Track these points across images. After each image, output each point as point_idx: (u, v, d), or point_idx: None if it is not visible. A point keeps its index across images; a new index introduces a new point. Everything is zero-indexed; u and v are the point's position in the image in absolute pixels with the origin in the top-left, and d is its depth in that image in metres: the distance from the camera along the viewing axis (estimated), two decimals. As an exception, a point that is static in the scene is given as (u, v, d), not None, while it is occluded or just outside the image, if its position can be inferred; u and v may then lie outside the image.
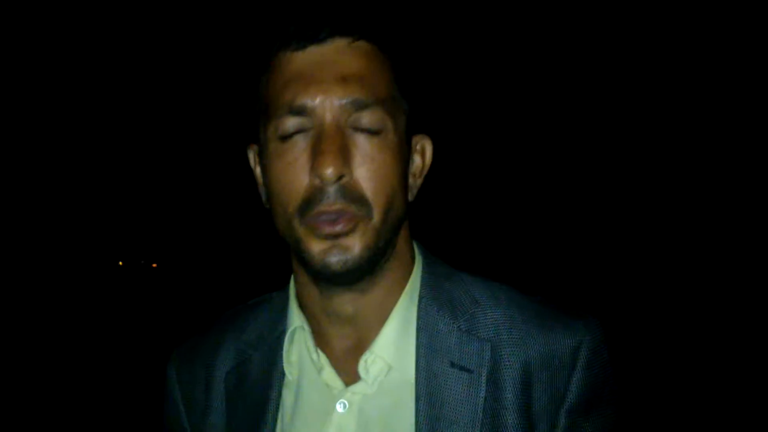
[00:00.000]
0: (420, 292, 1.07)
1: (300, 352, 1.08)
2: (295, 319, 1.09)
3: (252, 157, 1.10)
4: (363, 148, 0.95)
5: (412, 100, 1.03)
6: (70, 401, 6.14)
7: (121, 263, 11.22)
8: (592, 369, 1.02)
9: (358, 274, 0.98)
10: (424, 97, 1.07)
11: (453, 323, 1.04)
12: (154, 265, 11.32)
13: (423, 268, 1.10)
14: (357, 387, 1.02)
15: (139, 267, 11.39)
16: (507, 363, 1.01)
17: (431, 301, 1.05)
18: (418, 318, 1.04)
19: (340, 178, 0.92)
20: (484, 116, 7.63)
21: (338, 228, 0.93)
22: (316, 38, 0.96)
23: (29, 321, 7.95)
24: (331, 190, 0.93)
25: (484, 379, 0.99)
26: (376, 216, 0.95)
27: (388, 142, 0.96)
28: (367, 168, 0.94)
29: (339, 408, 1.02)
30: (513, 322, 1.04)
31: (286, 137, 0.96)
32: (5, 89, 6.77)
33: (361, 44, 0.97)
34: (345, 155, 0.93)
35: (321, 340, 1.07)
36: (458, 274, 1.11)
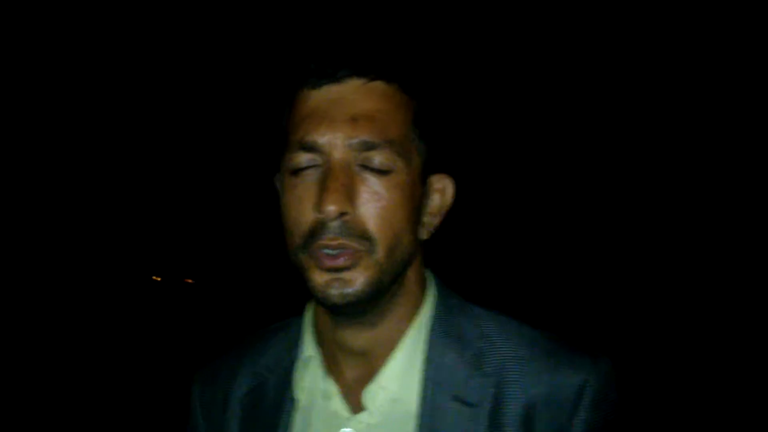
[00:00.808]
0: (430, 324, 1.08)
1: (312, 379, 1.11)
2: (308, 347, 1.13)
3: (278, 186, 1.13)
4: (370, 186, 0.98)
5: (431, 141, 1.05)
6: (97, 415, 6.21)
7: (158, 279, 11.41)
8: (598, 409, 1.02)
9: (360, 308, 1.01)
10: (446, 138, 1.09)
11: (460, 357, 1.05)
12: (189, 280, 11.46)
13: (435, 300, 1.12)
14: (362, 416, 1.05)
15: (174, 282, 11.58)
16: (510, 399, 1.02)
17: (440, 335, 1.07)
18: (426, 351, 1.06)
19: (342, 214, 0.96)
20: (509, 153, 7.61)
21: (339, 262, 0.97)
22: (333, 77, 1.00)
23: (61, 334, 8.08)
24: (333, 225, 0.96)
25: (486, 414, 1.01)
26: (380, 252, 0.98)
27: (397, 182, 0.99)
28: (373, 206, 0.97)
29: None
30: (519, 358, 1.04)
31: (297, 171, 1.01)
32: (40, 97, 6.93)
33: (377, 85, 1.00)
34: (349, 193, 0.97)
35: (333, 368, 1.10)
36: (471, 307, 1.13)
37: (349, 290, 0.98)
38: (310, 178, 1.00)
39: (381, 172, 0.98)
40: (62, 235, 8.33)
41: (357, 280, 0.98)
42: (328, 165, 0.98)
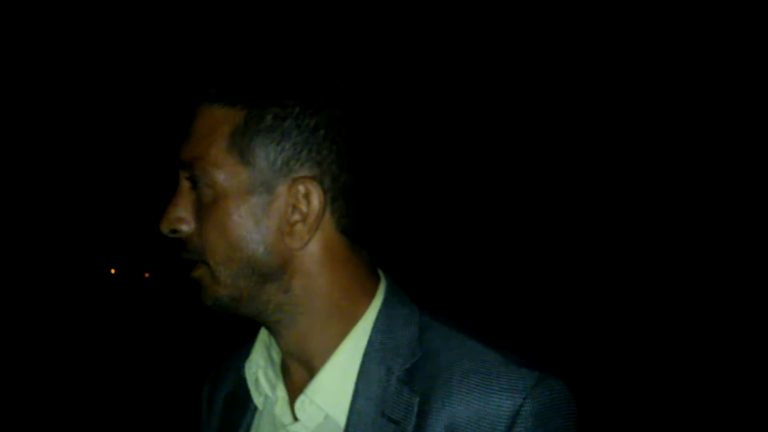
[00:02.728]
0: (370, 336, 1.04)
1: (265, 384, 1.12)
2: (255, 355, 1.15)
3: None
4: (197, 205, 1.02)
5: (275, 151, 1.01)
6: (56, 407, 6.05)
7: (113, 271, 11.11)
8: None
9: (236, 314, 1.06)
10: (315, 146, 1.03)
11: (392, 372, 1.01)
12: (147, 275, 11.22)
13: (380, 310, 1.06)
14: (297, 426, 1.05)
15: (131, 276, 11.31)
16: (432, 420, 0.95)
17: (378, 348, 1.03)
18: (361, 363, 1.03)
19: (173, 232, 1.03)
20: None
21: (191, 274, 1.04)
22: (199, 100, 1.05)
23: (18, 326, 7.88)
24: (179, 243, 1.04)
25: None
26: (212, 266, 1.01)
27: (216, 197, 1.00)
28: (202, 222, 1.01)
29: None
30: (450, 375, 0.97)
31: None
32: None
33: (202, 107, 1.04)
34: (178, 213, 1.03)
35: (286, 372, 1.11)
36: (419, 317, 1.07)
37: (205, 302, 1.05)
38: None
39: (201, 188, 1.02)
40: (20, 229, 8.11)
41: (204, 294, 1.04)
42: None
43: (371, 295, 1.07)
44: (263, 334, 1.16)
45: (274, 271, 1.02)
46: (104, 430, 5.59)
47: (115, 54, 7.01)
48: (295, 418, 1.05)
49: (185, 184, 1.04)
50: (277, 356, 1.13)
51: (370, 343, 1.03)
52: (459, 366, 0.98)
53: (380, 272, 1.12)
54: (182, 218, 1.03)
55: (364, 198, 1.07)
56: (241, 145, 1.00)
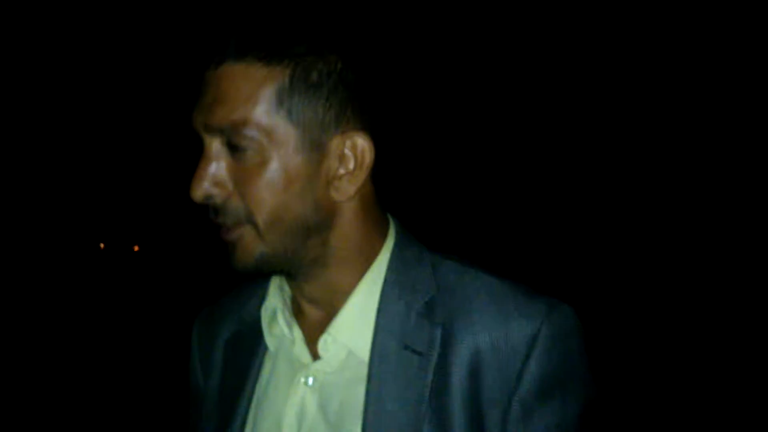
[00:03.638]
0: (385, 275, 1.09)
1: (280, 326, 1.14)
2: (271, 297, 1.16)
3: None
4: (238, 167, 1.01)
5: (317, 107, 1.02)
6: (45, 385, 6.07)
7: (102, 246, 11.10)
8: (550, 358, 1.00)
9: (270, 271, 1.08)
10: (361, 99, 1.05)
11: (411, 306, 1.06)
12: (136, 248, 11.21)
13: (392, 251, 1.11)
14: (318, 364, 1.09)
15: (121, 250, 11.28)
16: (456, 349, 1.01)
17: (394, 285, 1.08)
18: (380, 300, 1.07)
19: (209, 198, 1.02)
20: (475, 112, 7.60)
21: (227, 237, 1.04)
22: (213, 61, 1.01)
23: (5, 304, 7.85)
24: (210, 207, 1.03)
25: (433, 363, 1.02)
26: (261, 227, 1.01)
27: (263, 159, 1.00)
28: (243, 186, 1.01)
29: (303, 381, 1.09)
30: (470, 307, 1.04)
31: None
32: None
33: (230, 66, 1.00)
34: (215, 178, 1.01)
35: (298, 314, 1.14)
36: (430, 257, 1.12)
37: (239, 263, 1.04)
38: None
39: (243, 152, 1.00)
40: (9, 204, 8.04)
41: (244, 254, 1.03)
42: (203, 150, 1.03)
43: (384, 237, 1.12)
44: (276, 278, 1.17)
45: (320, 225, 1.04)
46: (99, 412, 5.60)
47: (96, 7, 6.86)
48: (314, 358, 1.09)
49: (217, 148, 1.01)
50: (288, 299, 1.16)
51: (386, 281, 1.08)
52: (477, 298, 1.04)
53: (389, 216, 1.16)
54: (220, 182, 1.01)
55: (388, 147, 1.09)
56: (289, 104, 0.99)
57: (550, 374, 1.00)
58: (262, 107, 0.98)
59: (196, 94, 1.04)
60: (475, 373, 1.00)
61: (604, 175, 7.31)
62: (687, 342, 5.43)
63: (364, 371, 1.04)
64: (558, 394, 1.01)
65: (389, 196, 1.15)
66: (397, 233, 1.14)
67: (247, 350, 1.18)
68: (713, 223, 6.50)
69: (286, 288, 1.16)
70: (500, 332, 1.01)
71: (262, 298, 1.18)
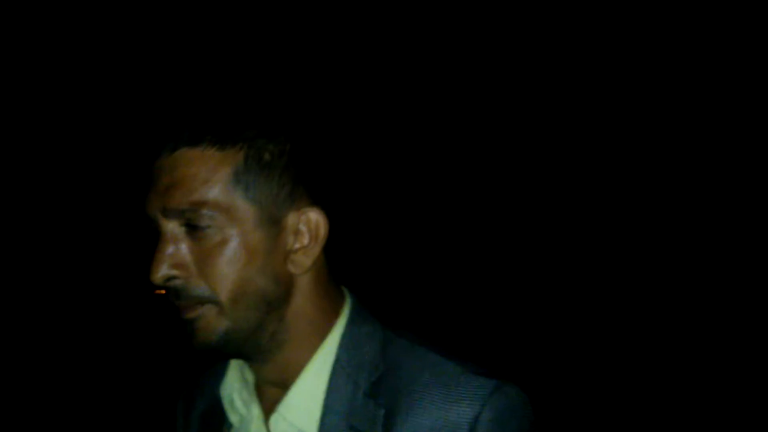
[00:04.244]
0: (336, 353, 1.11)
1: (237, 406, 1.17)
2: (230, 378, 1.19)
3: None
4: (196, 247, 1.03)
5: (273, 186, 1.05)
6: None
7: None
8: None
9: (229, 351, 1.08)
10: (314, 174, 1.10)
11: (358, 386, 1.08)
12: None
13: (345, 327, 1.13)
14: None
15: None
16: (397, 430, 1.02)
17: (344, 364, 1.10)
18: (329, 380, 1.09)
19: (170, 279, 1.03)
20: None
21: (187, 315, 1.04)
22: (166, 148, 1.05)
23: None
24: (170, 290, 1.05)
25: None
26: (222, 305, 1.03)
27: (222, 238, 1.02)
28: (202, 265, 1.03)
29: None
30: (413, 388, 1.04)
31: None
32: None
33: (184, 151, 1.04)
34: (175, 259, 1.03)
35: (260, 392, 1.16)
36: (381, 334, 1.13)
37: (201, 341, 1.05)
38: None
39: (203, 231, 1.02)
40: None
41: (205, 332, 1.04)
42: (160, 234, 1.05)
43: (338, 313, 1.13)
44: (233, 365, 1.20)
45: (279, 299, 1.07)
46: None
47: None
48: None
49: (174, 231, 1.04)
50: (250, 377, 1.18)
51: (337, 360, 1.09)
52: (420, 378, 1.04)
53: (344, 290, 1.18)
54: (180, 263, 1.03)
55: (341, 219, 1.12)
56: (245, 183, 1.03)
57: None
58: (219, 187, 1.02)
59: (147, 184, 1.07)
60: None
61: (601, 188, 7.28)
62: (688, 344, 5.38)
63: None
64: None
65: (346, 266, 1.17)
66: (352, 308, 1.15)
67: (216, 425, 1.22)
68: (713, 225, 6.48)
69: (246, 368, 1.18)
70: (440, 415, 1.01)
71: (221, 375, 1.22)
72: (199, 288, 1.02)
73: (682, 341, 5.40)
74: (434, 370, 1.05)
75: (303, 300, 1.09)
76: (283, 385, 1.11)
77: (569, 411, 5.00)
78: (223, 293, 1.02)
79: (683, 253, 6.44)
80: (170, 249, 1.03)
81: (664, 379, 5.02)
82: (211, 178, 1.02)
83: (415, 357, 1.08)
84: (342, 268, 1.16)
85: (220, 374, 1.25)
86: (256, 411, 1.14)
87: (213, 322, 1.03)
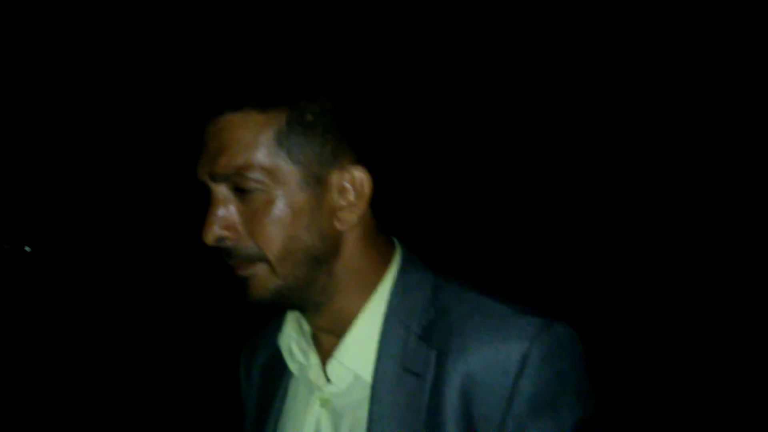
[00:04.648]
0: (388, 300, 1.14)
1: (296, 355, 1.23)
2: (287, 327, 1.26)
3: None
4: (245, 210, 1.08)
5: (317, 145, 1.08)
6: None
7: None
8: (540, 377, 1.02)
9: (282, 305, 1.14)
10: (355, 134, 1.12)
11: (411, 330, 1.11)
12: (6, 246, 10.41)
13: (396, 276, 1.16)
14: (329, 387, 1.17)
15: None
16: (450, 370, 1.05)
17: (396, 310, 1.13)
18: (383, 325, 1.13)
19: (220, 240, 1.08)
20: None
21: (241, 273, 1.10)
22: (214, 112, 1.08)
23: None
24: (222, 251, 1.10)
25: (429, 384, 1.06)
26: (273, 262, 1.08)
27: (269, 198, 1.07)
28: (252, 227, 1.08)
29: (317, 402, 1.18)
30: (463, 329, 1.07)
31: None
32: None
33: (229, 116, 1.07)
34: (226, 222, 1.08)
35: (316, 341, 1.22)
36: (432, 280, 1.16)
37: (255, 298, 1.10)
38: None
39: (249, 194, 1.07)
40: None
41: (257, 290, 1.10)
42: (211, 196, 1.09)
43: (388, 263, 1.17)
44: (290, 317, 1.26)
45: (327, 255, 1.11)
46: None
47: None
48: (328, 381, 1.16)
49: (224, 194, 1.08)
50: (307, 327, 1.23)
51: (389, 306, 1.13)
52: (470, 320, 1.07)
53: (394, 240, 1.21)
54: (230, 225, 1.08)
55: (386, 175, 1.16)
56: (288, 145, 1.06)
57: (542, 392, 1.02)
58: (263, 150, 1.06)
59: (198, 149, 1.11)
60: (467, 394, 1.03)
61: (605, 181, 7.37)
62: (688, 344, 5.37)
63: (368, 393, 1.11)
64: (550, 411, 1.02)
65: (395, 219, 1.20)
66: (402, 258, 1.18)
67: (277, 375, 1.29)
68: (713, 224, 6.59)
69: (302, 318, 1.23)
70: (491, 354, 1.03)
71: (280, 328, 1.28)
72: (249, 248, 1.07)
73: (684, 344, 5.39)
74: (484, 312, 1.08)
75: (351, 254, 1.13)
76: (338, 333, 1.15)
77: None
78: (271, 252, 1.06)
79: (685, 256, 6.51)
80: (221, 211, 1.08)
81: (666, 381, 4.98)
82: (255, 142, 1.05)
83: (464, 301, 1.11)
84: (391, 221, 1.19)
85: (278, 327, 1.31)
86: (314, 358, 1.20)
87: (265, 280, 1.08)
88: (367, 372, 1.12)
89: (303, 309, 1.17)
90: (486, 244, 6.99)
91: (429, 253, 1.23)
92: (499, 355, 1.03)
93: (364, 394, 1.12)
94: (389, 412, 1.07)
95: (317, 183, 1.08)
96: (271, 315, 1.39)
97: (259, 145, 1.06)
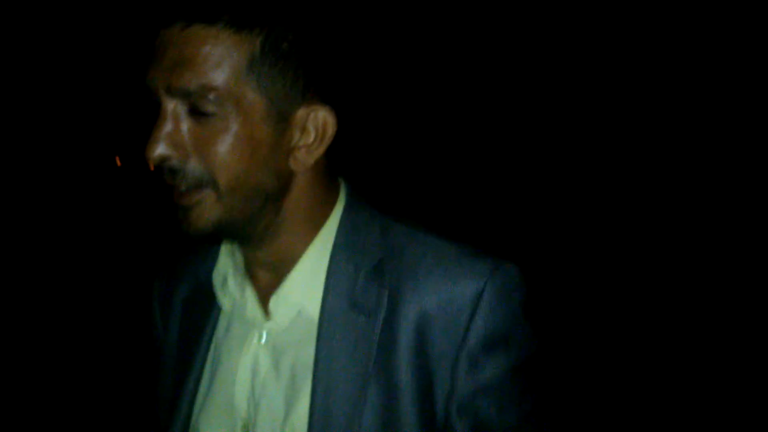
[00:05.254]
0: (335, 238, 1.12)
1: (233, 287, 1.18)
2: (221, 259, 1.20)
3: None
4: (199, 132, 0.99)
5: (287, 77, 1.01)
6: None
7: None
8: (495, 313, 1.05)
9: (222, 237, 1.09)
10: (324, 69, 1.05)
11: (360, 268, 1.10)
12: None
13: (342, 215, 1.15)
14: (270, 323, 1.13)
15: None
16: (403, 309, 1.06)
17: (343, 248, 1.11)
18: (329, 263, 1.11)
19: (165, 160, 0.99)
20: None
21: (183, 201, 1.02)
22: (173, 19, 0.98)
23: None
24: (165, 169, 1.01)
25: (380, 322, 1.06)
26: (222, 190, 1.01)
27: (226, 126, 0.99)
28: (205, 148, 0.99)
29: (256, 339, 1.14)
30: (416, 269, 1.08)
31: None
32: None
33: (200, 29, 0.97)
34: (174, 139, 0.99)
35: (251, 276, 1.17)
36: (381, 220, 1.16)
37: (193, 229, 1.03)
38: None
39: (206, 117, 0.98)
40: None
41: (199, 219, 1.02)
42: (159, 110, 1.00)
43: (334, 202, 1.15)
44: (226, 242, 1.20)
45: (276, 194, 1.06)
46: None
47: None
48: (266, 318, 1.13)
49: (176, 111, 0.99)
50: (240, 262, 1.18)
51: (336, 244, 1.12)
52: (423, 261, 1.09)
53: (340, 180, 1.19)
54: (178, 143, 0.99)
55: (349, 118, 1.11)
56: (258, 73, 0.99)
57: (495, 329, 1.06)
58: (232, 74, 0.97)
59: (148, 53, 1.01)
60: (421, 332, 1.05)
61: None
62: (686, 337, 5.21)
63: (313, 330, 1.09)
64: (502, 347, 1.07)
65: (344, 159, 1.17)
66: (348, 197, 1.17)
67: (203, 309, 1.22)
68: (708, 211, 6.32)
69: (238, 251, 1.18)
70: (446, 293, 1.05)
71: (213, 261, 1.22)
72: (197, 170, 1.00)
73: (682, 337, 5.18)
74: (437, 253, 1.09)
75: (301, 193, 1.09)
76: (279, 269, 1.13)
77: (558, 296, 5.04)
78: (222, 178, 0.99)
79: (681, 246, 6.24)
80: (169, 127, 0.99)
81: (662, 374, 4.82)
82: (224, 62, 0.97)
83: (416, 241, 1.11)
84: (340, 160, 1.16)
85: (204, 258, 1.26)
86: (250, 294, 1.15)
87: (209, 209, 1.02)
88: (312, 309, 1.10)
89: (244, 243, 1.12)
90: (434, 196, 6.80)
91: (376, 195, 1.22)
92: (454, 295, 1.05)
93: (307, 331, 1.10)
94: (337, 350, 1.06)
95: (280, 119, 1.02)
96: (192, 246, 1.32)
97: (227, 68, 0.97)
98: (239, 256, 1.19)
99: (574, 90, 6.94)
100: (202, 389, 1.20)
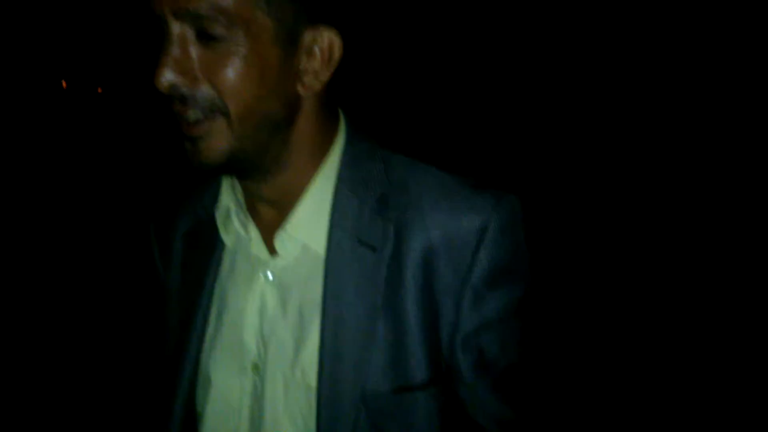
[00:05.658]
0: (338, 171, 1.11)
1: (236, 224, 1.16)
2: (224, 195, 1.17)
3: None
4: (208, 58, 0.96)
5: (296, 4, 0.98)
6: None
7: (64, 84, 10.56)
8: (499, 247, 1.06)
9: (230, 171, 1.05)
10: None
11: (365, 202, 1.09)
12: (99, 90, 10.75)
13: (344, 147, 1.13)
14: (276, 260, 1.12)
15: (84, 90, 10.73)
16: (409, 243, 1.06)
17: (347, 181, 1.10)
18: (333, 197, 1.10)
19: (175, 87, 0.96)
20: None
21: (193, 132, 0.99)
22: None
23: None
24: (175, 96, 0.97)
25: (387, 257, 1.06)
26: (233, 117, 0.98)
27: (236, 51, 0.95)
28: (213, 77, 0.96)
29: (262, 277, 1.13)
30: (421, 203, 1.08)
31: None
32: None
33: None
34: (182, 66, 0.95)
35: (253, 212, 1.15)
36: (382, 153, 1.14)
37: (204, 160, 1.00)
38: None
39: (216, 42, 0.95)
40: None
41: (210, 150, 0.99)
42: (166, 36, 0.96)
43: (335, 133, 1.13)
44: (227, 178, 1.18)
45: (285, 121, 1.04)
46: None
47: None
48: (272, 255, 1.13)
49: (183, 35, 0.96)
50: (242, 199, 1.16)
51: (339, 177, 1.11)
52: (428, 194, 1.09)
53: (339, 110, 1.16)
54: (187, 69, 0.96)
55: (356, 43, 1.09)
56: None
57: (499, 263, 1.07)
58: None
59: None
60: (427, 266, 1.05)
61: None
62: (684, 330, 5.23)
63: (320, 267, 1.08)
64: (506, 280, 1.09)
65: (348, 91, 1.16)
66: (348, 128, 1.15)
67: (205, 246, 1.21)
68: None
69: (238, 188, 1.17)
70: (451, 227, 1.06)
71: (215, 198, 1.20)
72: (209, 97, 0.96)
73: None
74: (439, 186, 1.09)
75: (306, 122, 1.07)
76: (283, 205, 1.11)
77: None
78: (235, 103, 0.97)
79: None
80: (177, 52, 0.95)
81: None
82: None
83: (418, 174, 1.11)
84: (340, 89, 1.14)
85: (201, 195, 1.24)
86: (253, 231, 1.14)
87: (220, 140, 0.99)
88: (318, 245, 1.09)
89: (249, 177, 1.09)
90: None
91: (372, 126, 1.20)
92: (460, 228, 1.06)
93: (314, 268, 1.09)
94: (345, 286, 1.06)
95: (289, 41, 0.99)
96: (187, 185, 1.30)
97: None
98: (240, 192, 1.17)
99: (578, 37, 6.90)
100: (209, 330, 1.19)
